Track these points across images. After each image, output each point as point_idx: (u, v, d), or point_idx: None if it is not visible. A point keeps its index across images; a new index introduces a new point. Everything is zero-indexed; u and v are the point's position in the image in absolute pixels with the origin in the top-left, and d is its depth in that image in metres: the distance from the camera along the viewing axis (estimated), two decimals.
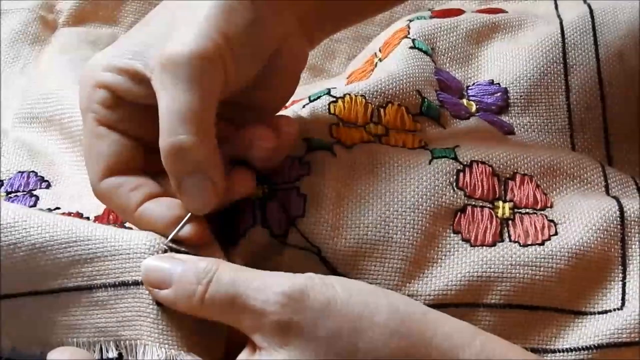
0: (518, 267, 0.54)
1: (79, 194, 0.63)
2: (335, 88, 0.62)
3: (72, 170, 0.66)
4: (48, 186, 0.66)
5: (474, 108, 0.64)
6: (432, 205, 0.55)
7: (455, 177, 0.57)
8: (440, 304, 0.53)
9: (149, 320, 0.50)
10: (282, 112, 0.60)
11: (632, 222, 0.56)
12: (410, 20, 0.69)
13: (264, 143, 0.54)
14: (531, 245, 0.55)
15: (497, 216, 0.56)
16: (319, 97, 0.61)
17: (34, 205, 0.63)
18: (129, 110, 0.54)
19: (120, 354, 0.50)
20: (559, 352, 0.53)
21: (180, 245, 0.52)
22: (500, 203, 0.57)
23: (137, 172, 0.54)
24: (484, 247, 0.55)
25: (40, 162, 0.67)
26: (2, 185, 0.66)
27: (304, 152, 0.57)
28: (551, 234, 0.55)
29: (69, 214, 0.61)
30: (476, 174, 0.57)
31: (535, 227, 0.55)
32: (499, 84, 0.65)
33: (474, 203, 0.56)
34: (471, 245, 0.55)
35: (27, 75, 0.75)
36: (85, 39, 0.77)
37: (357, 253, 0.54)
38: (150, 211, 0.53)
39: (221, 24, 0.52)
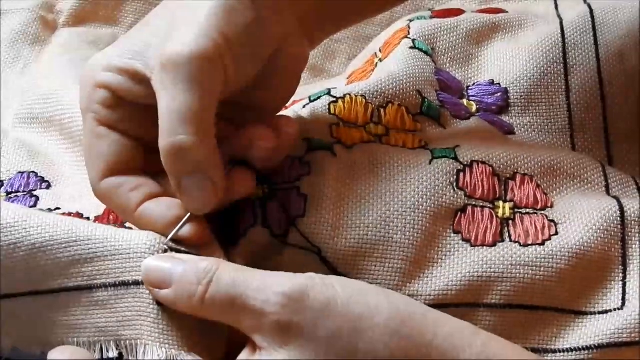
0: (518, 267, 0.54)
1: (79, 194, 0.63)
2: (335, 88, 0.62)
3: (73, 171, 0.66)
4: (48, 186, 0.66)
5: (474, 108, 0.64)
6: (433, 205, 0.55)
7: (455, 177, 0.57)
8: (440, 304, 0.53)
9: (150, 320, 0.50)
10: (282, 112, 0.60)
11: (633, 222, 0.56)
12: (411, 20, 0.69)
13: (264, 143, 0.54)
14: (531, 245, 0.55)
15: (497, 216, 0.56)
16: (319, 97, 0.61)
17: (34, 205, 0.63)
18: (129, 110, 0.54)
19: (120, 354, 0.50)
20: (560, 352, 0.53)
21: (180, 245, 0.52)
22: (501, 203, 0.57)
23: (137, 172, 0.54)
24: (485, 247, 0.55)
25: (40, 162, 0.67)
26: (3, 185, 0.66)
27: (304, 152, 0.57)
28: (551, 234, 0.55)
29: (69, 214, 0.61)
30: (476, 174, 0.57)
31: (536, 227, 0.55)
32: (499, 84, 0.65)
33: (474, 203, 0.56)
34: (471, 245, 0.55)
35: (28, 75, 0.74)
36: (85, 39, 0.77)
37: (358, 253, 0.54)
38: (150, 211, 0.53)
39: (221, 24, 0.52)
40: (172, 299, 0.50)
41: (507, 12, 0.70)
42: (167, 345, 0.50)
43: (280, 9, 0.55)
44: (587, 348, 0.53)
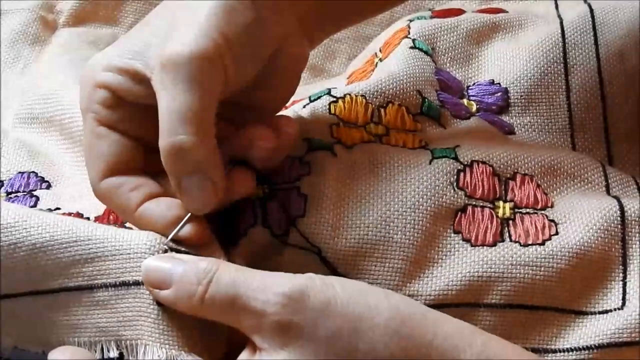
0: (518, 267, 0.54)
1: (79, 194, 0.63)
2: (335, 88, 0.62)
3: (73, 171, 0.66)
4: (48, 187, 0.66)
5: (474, 108, 0.64)
6: (433, 205, 0.55)
7: (455, 177, 0.57)
8: (440, 304, 0.53)
9: (150, 320, 0.50)
10: (282, 112, 0.60)
11: (633, 222, 0.56)
12: (411, 20, 0.69)
13: (264, 143, 0.54)
14: (532, 245, 0.55)
15: (497, 216, 0.56)
16: (319, 97, 0.61)
17: (34, 205, 0.63)
18: (129, 110, 0.54)
19: (121, 354, 0.50)
20: (560, 352, 0.53)
21: (180, 245, 0.52)
22: (501, 203, 0.57)
23: (137, 172, 0.54)
24: (485, 247, 0.55)
25: (40, 162, 0.67)
26: (3, 185, 0.66)
27: (304, 152, 0.57)
28: (552, 233, 0.55)
29: (69, 214, 0.61)
30: (477, 174, 0.57)
31: (536, 227, 0.55)
32: (499, 83, 0.65)
33: (474, 203, 0.56)
34: (472, 245, 0.55)
35: (28, 75, 0.74)
36: (85, 39, 0.77)
37: (358, 253, 0.54)
38: (150, 211, 0.53)
39: (221, 24, 0.52)
40: (172, 299, 0.50)
41: (507, 12, 0.70)
42: (167, 346, 0.50)
43: (280, 9, 0.55)
44: (588, 348, 0.53)
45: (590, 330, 0.53)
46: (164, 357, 0.49)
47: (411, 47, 0.65)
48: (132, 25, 0.75)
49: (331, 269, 0.54)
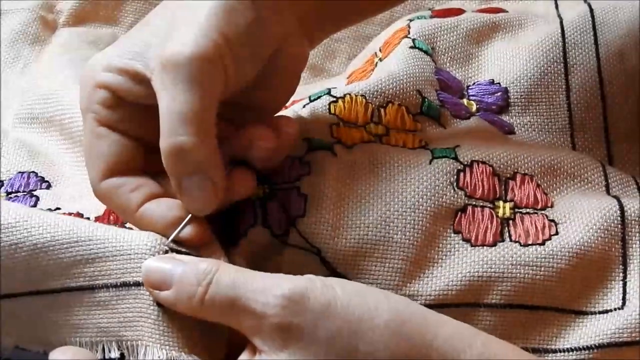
0: (519, 267, 0.54)
1: (80, 195, 0.63)
2: (335, 88, 0.62)
3: (73, 171, 0.66)
4: (48, 187, 0.66)
5: (474, 108, 0.64)
6: (433, 205, 0.55)
7: (455, 177, 0.57)
8: (440, 304, 0.53)
9: (150, 321, 0.50)
10: (282, 112, 0.60)
11: (633, 222, 0.56)
12: (411, 20, 0.69)
13: (264, 143, 0.54)
14: (532, 245, 0.55)
15: (497, 216, 0.56)
16: (319, 97, 0.61)
17: (34, 205, 0.63)
18: (129, 111, 0.54)
19: (122, 354, 0.50)
20: (560, 352, 0.53)
21: (180, 246, 0.52)
22: (501, 203, 0.57)
23: (138, 172, 0.54)
24: (485, 247, 0.55)
25: (40, 162, 0.67)
26: (3, 185, 0.66)
27: (304, 152, 0.57)
28: (552, 233, 0.55)
29: (70, 214, 0.61)
30: (477, 174, 0.57)
31: (536, 227, 0.55)
32: (499, 83, 0.65)
33: (474, 203, 0.56)
34: (472, 245, 0.55)
35: (28, 75, 0.74)
36: (85, 39, 0.76)
37: (358, 253, 0.54)
38: (150, 212, 0.53)
39: (221, 24, 0.52)
40: (172, 300, 0.50)
41: (507, 11, 0.70)
42: (167, 347, 0.50)
43: (280, 8, 0.55)
44: (588, 348, 0.53)
45: (591, 330, 0.53)
46: (164, 358, 0.49)
47: (411, 47, 0.65)
48: (132, 25, 0.75)
49: (331, 269, 0.54)
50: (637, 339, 0.53)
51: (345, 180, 0.56)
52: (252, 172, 0.55)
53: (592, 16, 0.66)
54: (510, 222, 0.56)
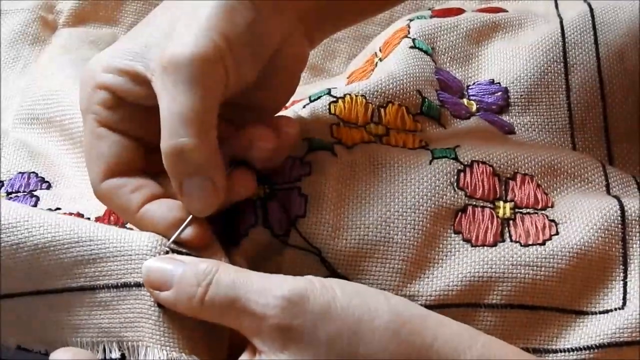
0: (519, 267, 0.54)
1: (80, 195, 0.63)
2: (335, 88, 0.62)
3: (73, 172, 0.66)
4: (49, 187, 0.66)
5: (474, 108, 0.64)
6: (433, 205, 0.55)
7: (455, 177, 0.57)
8: (441, 305, 0.53)
9: (151, 322, 0.50)
10: (282, 113, 0.60)
11: (633, 222, 0.56)
12: (411, 20, 0.69)
13: (264, 144, 0.54)
14: (532, 245, 0.55)
15: (497, 216, 0.56)
16: (319, 97, 0.61)
17: (35, 206, 0.63)
18: (129, 111, 0.54)
19: (123, 355, 0.51)
20: (561, 352, 0.53)
21: (181, 247, 0.52)
22: (501, 203, 0.57)
23: (138, 172, 0.54)
24: (485, 247, 0.55)
25: (40, 163, 0.67)
26: (3, 186, 0.66)
27: (304, 152, 0.57)
28: (552, 233, 0.55)
29: (70, 214, 0.61)
30: (477, 174, 0.57)
31: (536, 227, 0.55)
32: (499, 83, 0.65)
33: (474, 203, 0.56)
34: (472, 246, 0.55)
35: (27, 75, 0.74)
36: (85, 39, 0.76)
37: (358, 254, 0.54)
38: (151, 212, 0.53)
39: (222, 24, 0.52)
40: (172, 301, 0.50)
41: (507, 11, 0.70)
42: (168, 348, 0.50)
43: (280, 9, 0.55)
44: (588, 348, 0.53)
45: (591, 330, 0.53)
46: (165, 359, 0.49)
47: (411, 47, 0.65)
48: (132, 25, 0.75)
49: (331, 270, 0.54)
50: (638, 338, 0.53)
51: (345, 180, 0.56)
52: (253, 173, 0.55)
53: (592, 16, 0.66)
54: (511, 222, 0.56)
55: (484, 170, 0.57)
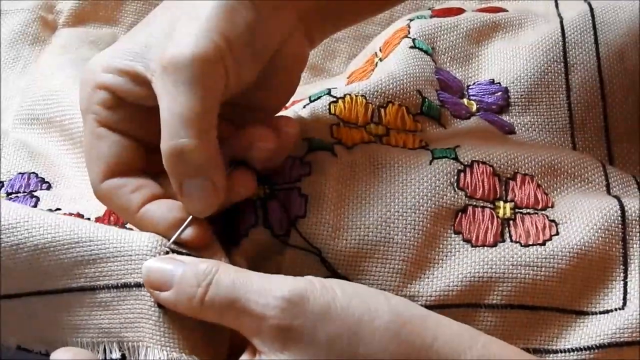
0: (519, 267, 0.54)
1: (80, 195, 0.63)
2: (335, 88, 0.62)
3: (73, 172, 0.66)
4: (49, 187, 0.66)
5: (474, 107, 0.64)
6: (433, 205, 0.55)
7: (456, 177, 0.57)
8: (441, 305, 0.53)
9: (151, 322, 0.50)
10: (282, 113, 0.60)
11: (634, 222, 0.56)
12: (411, 20, 0.69)
13: (264, 144, 0.54)
14: (532, 245, 0.55)
15: (498, 216, 0.56)
16: (319, 97, 0.61)
17: (35, 206, 0.63)
18: (129, 111, 0.54)
19: (123, 355, 0.51)
20: (561, 352, 0.53)
21: (181, 247, 0.52)
22: (501, 203, 0.57)
23: (138, 173, 0.54)
24: (485, 248, 0.55)
25: (40, 163, 0.67)
26: (3, 186, 0.66)
27: (304, 153, 0.57)
28: (552, 234, 0.55)
29: (70, 215, 0.61)
30: (477, 174, 0.57)
31: (536, 227, 0.55)
32: (499, 83, 0.65)
33: (474, 203, 0.56)
34: (472, 246, 0.55)
35: (27, 75, 0.74)
36: (85, 39, 0.76)
37: (358, 254, 0.54)
38: (151, 213, 0.53)
39: (222, 24, 0.52)
40: (172, 301, 0.50)
41: (507, 10, 0.70)
42: (168, 348, 0.50)
43: (280, 9, 0.55)
44: (589, 348, 0.53)
45: (591, 330, 0.53)
46: (165, 359, 0.49)
47: (411, 47, 0.65)
48: (132, 25, 0.75)
49: (331, 270, 0.54)
50: (638, 339, 0.53)
51: (345, 180, 0.56)
52: (253, 173, 0.55)
53: (592, 15, 0.66)
54: (511, 222, 0.56)
55: (484, 170, 0.57)
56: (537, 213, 0.56)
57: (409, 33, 0.66)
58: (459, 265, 0.54)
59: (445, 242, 0.55)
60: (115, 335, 0.51)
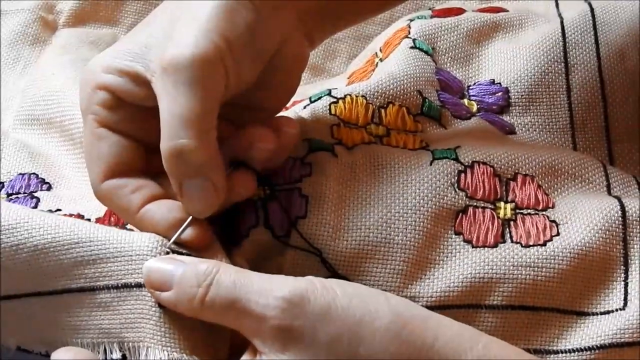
0: (520, 268, 0.54)
1: (80, 196, 0.63)
2: (336, 89, 0.62)
3: (73, 172, 0.66)
4: (49, 188, 0.66)
5: (475, 108, 0.64)
6: (434, 206, 0.55)
7: (456, 178, 0.57)
8: (442, 306, 0.53)
9: (152, 322, 0.50)
10: (283, 113, 0.60)
11: (634, 222, 0.56)
12: (411, 20, 0.69)
13: (264, 144, 0.54)
14: (533, 246, 0.55)
15: (498, 217, 0.56)
16: (319, 98, 0.61)
17: (35, 207, 0.63)
18: (129, 112, 0.54)
19: (124, 356, 0.50)
20: (562, 352, 0.53)
21: (181, 247, 0.52)
22: (502, 204, 0.57)
23: (138, 173, 0.54)
24: (486, 248, 0.55)
25: (41, 164, 0.67)
26: (3, 187, 0.66)
27: (305, 153, 0.57)
28: (553, 234, 0.55)
29: (70, 215, 0.61)
30: (477, 175, 0.57)
31: (537, 228, 0.55)
32: (500, 83, 0.65)
33: (475, 204, 0.56)
34: (473, 247, 0.55)
35: (28, 76, 0.74)
36: (85, 39, 0.76)
37: (359, 255, 0.54)
38: (151, 213, 0.53)
39: (222, 25, 0.52)
40: (172, 301, 0.50)
41: (507, 11, 0.70)
42: (169, 348, 0.50)
43: (280, 9, 0.55)
44: (589, 349, 0.53)
45: (592, 331, 0.53)
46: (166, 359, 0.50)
47: (411, 47, 0.65)
48: (132, 26, 0.75)
49: (332, 271, 0.54)
50: (639, 339, 0.53)
51: (346, 181, 0.56)
52: (253, 173, 0.55)
53: (593, 15, 0.66)
54: (512, 223, 0.56)
55: (485, 170, 0.57)
56: (537, 214, 0.56)
57: (410, 33, 0.66)
58: (460, 265, 0.54)
59: (445, 242, 0.55)
60: (115, 336, 0.51)
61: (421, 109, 0.61)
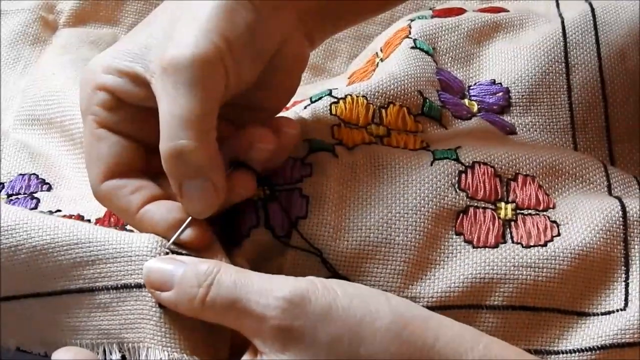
0: (521, 268, 0.54)
1: (80, 197, 0.63)
2: (336, 89, 0.62)
3: (73, 173, 0.66)
4: (49, 189, 0.66)
5: (475, 108, 0.64)
6: (434, 206, 0.55)
7: (457, 178, 0.56)
8: (442, 306, 0.53)
9: (152, 323, 0.50)
10: (283, 113, 0.60)
11: (635, 223, 0.56)
12: (412, 20, 0.69)
13: (264, 145, 0.54)
14: (534, 246, 0.54)
15: (499, 217, 0.56)
16: (320, 98, 0.61)
17: (35, 207, 0.63)
18: (129, 112, 0.54)
19: (123, 357, 0.50)
20: (562, 353, 0.53)
21: (181, 248, 0.52)
22: (503, 204, 0.57)
23: (138, 174, 0.54)
24: (487, 249, 0.54)
25: (41, 164, 0.67)
26: (3, 187, 0.66)
27: (305, 153, 0.57)
28: (554, 235, 0.55)
29: (70, 216, 0.61)
30: (478, 175, 0.57)
31: (538, 228, 0.55)
32: (500, 83, 0.65)
33: (476, 204, 0.56)
34: (473, 247, 0.55)
35: (28, 76, 0.74)
36: (85, 39, 0.76)
37: (359, 255, 0.54)
38: (151, 214, 0.53)
39: (222, 25, 0.52)
40: (173, 301, 0.50)
41: (508, 11, 0.70)
42: (169, 349, 0.50)
43: (280, 9, 0.55)
44: (590, 349, 0.53)
45: (593, 332, 0.53)
46: None
47: (412, 47, 0.65)
48: (132, 26, 0.75)
49: (332, 271, 0.54)
50: (639, 339, 0.53)
51: (346, 181, 0.56)
52: (253, 174, 0.55)
53: (594, 15, 0.66)
54: (512, 223, 0.56)
55: (486, 171, 0.57)
56: (538, 214, 0.56)
57: (410, 33, 0.66)
58: (460, 266, 0.54)
59: (446, 243, 0.55)
60: (115, 337, 0.51)
61: (422, 109, 0.61)
